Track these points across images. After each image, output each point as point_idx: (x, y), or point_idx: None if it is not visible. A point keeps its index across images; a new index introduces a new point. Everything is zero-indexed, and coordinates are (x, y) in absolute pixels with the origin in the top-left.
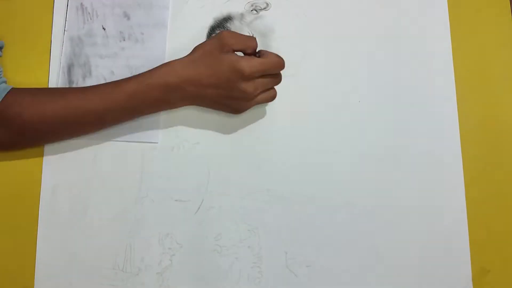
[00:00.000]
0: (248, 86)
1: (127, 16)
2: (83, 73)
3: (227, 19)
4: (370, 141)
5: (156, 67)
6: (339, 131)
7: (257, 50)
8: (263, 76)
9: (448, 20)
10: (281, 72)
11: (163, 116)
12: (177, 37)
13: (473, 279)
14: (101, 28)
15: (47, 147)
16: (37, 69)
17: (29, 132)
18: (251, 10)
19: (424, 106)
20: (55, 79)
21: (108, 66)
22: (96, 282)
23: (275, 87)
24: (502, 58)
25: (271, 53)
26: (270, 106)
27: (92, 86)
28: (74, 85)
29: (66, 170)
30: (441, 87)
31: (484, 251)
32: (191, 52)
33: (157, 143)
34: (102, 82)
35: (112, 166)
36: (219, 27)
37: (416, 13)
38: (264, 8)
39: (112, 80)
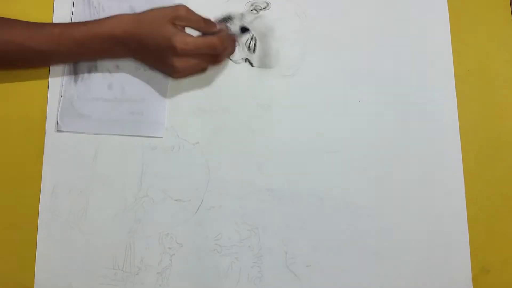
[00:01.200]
0: (178, 62)
1: (133, 10)
2: (89, 67)
3: (227, 18)
4: (370, 141)
5: (105, 17)
6: (339, 131)
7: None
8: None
9: (448, 20)
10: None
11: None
12: None
13: (473, 279)
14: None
15: (47, 147)
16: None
17: None
18: (251, 10)
19: (424, 106)
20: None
21: (114, 61)
22: (96, 282)
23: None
24: (502, 58)
25: (217, 35)
26: (270, 106)
27: (41, 24)
28: (79, 79)
29: (66, 170)
30: (441, 87)
31: (484, 251)
32: (144, 11)
33: (161, 137)
34: (108, 77)
35: (112, 166)
36: None
37: (416, 13)
38: (264, 8)
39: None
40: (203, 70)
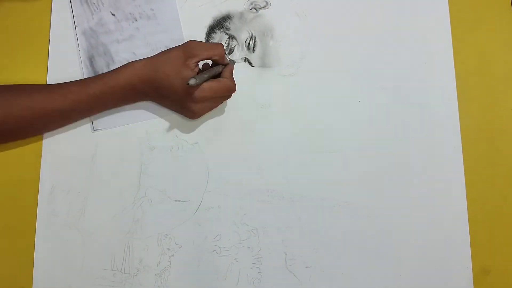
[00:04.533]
0: (196, 106)
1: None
2: (106, 62)
3: (226, 18)
4: (370, 141)
5: (119, 67)
6: (339, 131)
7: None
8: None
9: (449, 19)
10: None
11: (161, 115)
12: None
13: (474, 280)
14: (110, 14)
15: (46, 148)
16: (34, 67)
17: None
18: (251, 9)
19: (424, 105)
20: (79, 75)
21: (128, 49)
22: (95, 283)
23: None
24: (503, 57)
25: (227, 77)
26: (270, 106)
27: (58, 85)
28: None
29: (64, 171)
30: (441, 86)
31: (485, 252)
32: (156, 55)
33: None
34: None
35: (111, 166)
36: (219, 27)
37: (417, 13)
38: (264, 7)
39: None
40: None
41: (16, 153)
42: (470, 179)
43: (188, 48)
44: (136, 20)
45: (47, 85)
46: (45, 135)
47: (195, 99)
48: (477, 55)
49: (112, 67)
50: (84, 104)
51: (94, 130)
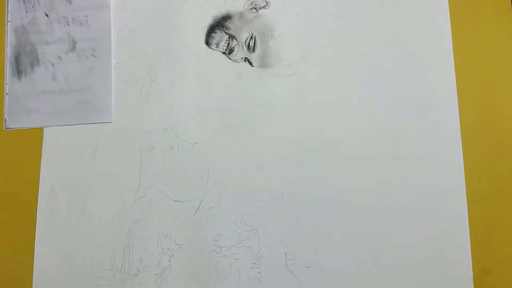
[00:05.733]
0: None
1: (69, 0)
2: (30, 61)
3: (227, 17)
4: (370, 141)
5: None
6: (339, 131)
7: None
8: None
9: (449, 19)
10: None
11: (160, 115)
12: (177, 37)
13: (474, 280)
14: (44, 15)
15: (45, 148)
16: None
17: None
18: (251, 9)
19: (425, 105)
20: (1, 71)
21: (55, 52)
22: (94, 283)
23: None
24: (503, 57)
25: None
26: (270, 106)
27: None
28: (22, 75)
29: (64, 171)
30: (442, 86)
31: (485, 252)
32: None
33: (111, 122)
34: (51, 68)
35: (110, 167)
36: (219, 26)
37: (416, 12)
38: (264, 7)
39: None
40: None
41: (16, 153)
42: (470, 179)
43: None
44: (68, 24)
45: None
46: (45, 135)
47: None
48: (477, 55)
49: (36, 68)
50: None
51: (5, 128)
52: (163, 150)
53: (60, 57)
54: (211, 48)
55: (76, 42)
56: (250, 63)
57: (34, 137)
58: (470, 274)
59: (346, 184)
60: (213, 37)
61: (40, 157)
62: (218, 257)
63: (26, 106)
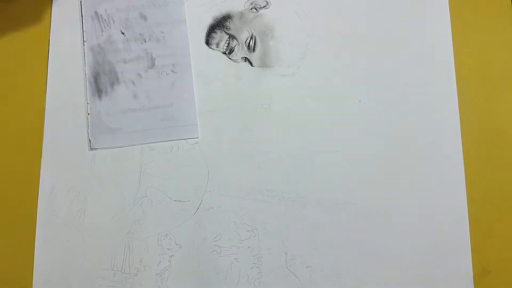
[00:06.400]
0: None
1: (143, 17)
2: (110, 80)
3: (227, 17)
4: (370, 141)
5: None
6: (339, 131)
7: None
8: None
9: (449, 19)
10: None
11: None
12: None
13: (474, 280)
14: (120, 33)
15: (45, 148)
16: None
17: None
18: (251, 9)
19: (425, 105)
20: (83, 91)
21: (134, 70)
22: (95, 283)
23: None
24: (503, 56)
25: None
26: (270, 106)
27: None
28: (103, 94)
29: (64, 171)
30: (442, 86)
31: (486, 252)
32: None
33: (198, 137)
34: (131, 87)
35: (111, 167)
36: (219, 26)
37: (417, 12)
38: (264, 7)
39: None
40: None
41: (16, 153)
42: (471, 178)
43: None
44: (145, 42)
45: None
46: (45, 135)
47: None
48: (477, 55)
49: (116, 87)
50: None
51: (90, 148)
52: (163, 150)
53: (140, 75)
54: (211, 48)
55: (155, 58)
56: (250, 63)
57: (34, 137)
58: (470, 274)
59: (346, 184)
60: (213, 37)
61: (40, 157)
62: (218, 257)
63: (109, 125)
